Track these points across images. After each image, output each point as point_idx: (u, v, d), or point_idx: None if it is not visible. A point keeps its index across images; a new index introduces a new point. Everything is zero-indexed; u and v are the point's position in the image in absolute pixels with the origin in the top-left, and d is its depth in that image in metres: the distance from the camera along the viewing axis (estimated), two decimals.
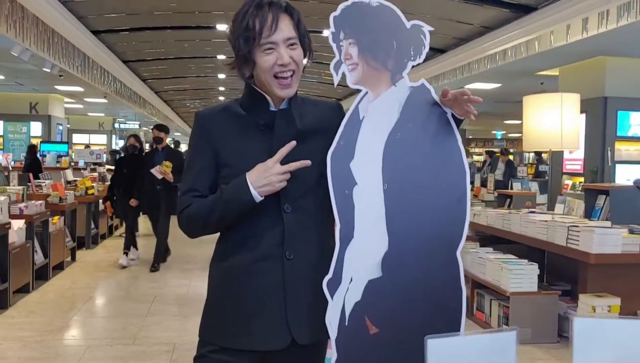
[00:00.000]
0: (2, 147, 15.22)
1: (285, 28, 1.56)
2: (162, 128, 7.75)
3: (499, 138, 28.83)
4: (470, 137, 27.73)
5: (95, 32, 8.89)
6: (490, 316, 4.98)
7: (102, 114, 21.25)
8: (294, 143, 1.56)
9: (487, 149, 21.32)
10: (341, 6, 1.67)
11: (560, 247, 4.66)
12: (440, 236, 1.62)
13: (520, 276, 4.71)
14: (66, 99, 16.17)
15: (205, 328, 1.66)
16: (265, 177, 1.53)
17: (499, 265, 4.87)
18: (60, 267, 6.88)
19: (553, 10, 7.43)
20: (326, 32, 1.69)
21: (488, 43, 9.03)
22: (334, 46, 1.66)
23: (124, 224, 8.00)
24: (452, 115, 1.64)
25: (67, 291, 6.02)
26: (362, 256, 1.61)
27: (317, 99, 1.80)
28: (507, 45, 8.54)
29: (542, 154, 15.32)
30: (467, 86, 11.28)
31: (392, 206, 1.62)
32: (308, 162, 1.56)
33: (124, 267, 7.35)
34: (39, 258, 6.17)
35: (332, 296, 1.59)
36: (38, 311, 5.27)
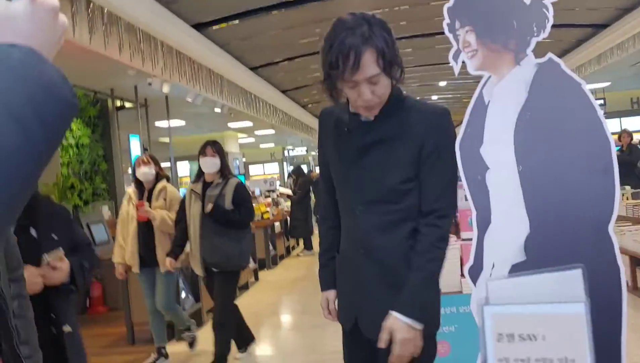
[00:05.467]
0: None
1: (367, 66, 1.51)
2: None
3: None
4: None
5: (253, 69, 9.62)
6: None
7: (272, 145, 22.69)
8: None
9: None
10: None
11: None
12: (588, 213, 1.54)
13: None
14: (239, 135, 17.58)
15: None
16: None
17: None
18: (245, 287, 7.47)
19: None
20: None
21: None
22: (450, 36, 1.68)
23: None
24: None
25: (253, 308, 6.51)
26: (503, 240, 1.58)
27: (424, 105, 1.73)
28: None
29: None
30: None
31: (529, 186, 1.57)
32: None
33: None
34: None
35: (474, 283, 1.58)
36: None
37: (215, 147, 4.10)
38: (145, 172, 4.31)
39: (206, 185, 4.04)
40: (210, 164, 4.02)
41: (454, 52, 1.67)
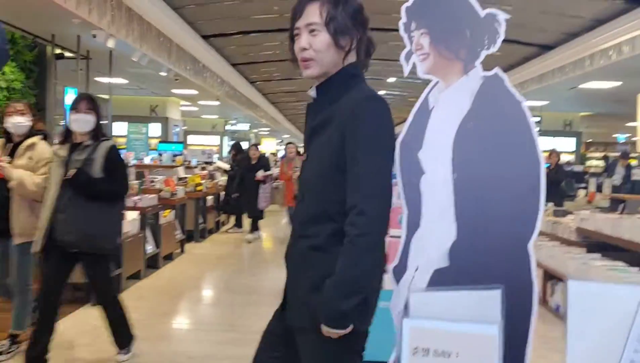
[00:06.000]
0: (125, 146, 16.42)
1: (311, 14, 1.59)
2: None
3: (621, 141, 26.78)
4: (590, 140, 26.03)
5: (205, 37, 9.41)
6: None
7: (216, 116, 22.33)
8: None
9: (606, 153, 19.97)
10: None
11: None
12: (512, 228, 1.59)
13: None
14: (182, 102, 17.19)
15: None
16: None
17: (604, 273, 4.58)
18: (169, 258, 7.34)
19: None
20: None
21: (600, 37, 8.47)
22: (405, 36, 1.68)
23: None
24: None
25: (175, 280, 6.42)
26: (429, 245, 1.62)
27: (359, 90, 1.60)
28: (622, 38, 7.96)
29: None
30: (581, 86, 10.60)
31: (461, 195, 1.61)
32: None
33: None
34: (151, 248, 6.63)
35: (397, 283, 1.61)
36: (147, 297, 5.67)
37: (91, 103, 3.41)
38: (19, 123, 3.65)
39: (74, 148, 3.41)
40: (83, 122, 3.37)
41: (406, 53, 1.68)
